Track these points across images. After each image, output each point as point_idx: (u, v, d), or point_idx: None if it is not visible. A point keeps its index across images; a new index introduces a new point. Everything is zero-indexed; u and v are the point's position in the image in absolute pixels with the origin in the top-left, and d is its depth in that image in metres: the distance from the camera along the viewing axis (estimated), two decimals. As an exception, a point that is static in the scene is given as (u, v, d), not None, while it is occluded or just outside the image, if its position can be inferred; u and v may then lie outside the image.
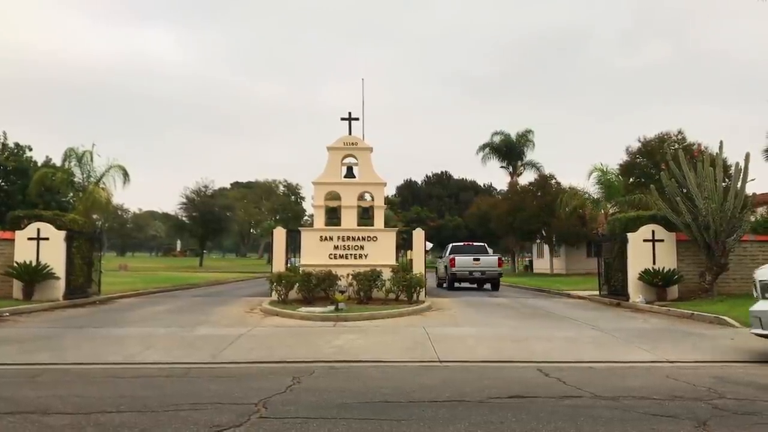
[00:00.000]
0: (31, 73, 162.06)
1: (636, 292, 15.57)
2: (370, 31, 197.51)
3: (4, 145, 34.79)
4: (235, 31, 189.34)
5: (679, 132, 35.34)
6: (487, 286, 24.98)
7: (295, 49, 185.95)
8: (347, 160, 18.17)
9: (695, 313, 12.42)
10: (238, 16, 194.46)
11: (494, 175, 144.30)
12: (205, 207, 67.35)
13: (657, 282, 15.28)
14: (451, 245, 26.25)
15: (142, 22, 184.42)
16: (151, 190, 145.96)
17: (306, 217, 70.00)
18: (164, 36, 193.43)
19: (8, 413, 4.91)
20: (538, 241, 48.50)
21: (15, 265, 15.23)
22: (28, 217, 16.48)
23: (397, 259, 17.64)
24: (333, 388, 6.03)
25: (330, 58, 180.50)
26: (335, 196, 18.14)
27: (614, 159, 38.68)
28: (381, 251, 17.04)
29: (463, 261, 24.16)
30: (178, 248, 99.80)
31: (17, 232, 15.80)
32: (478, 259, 24.16)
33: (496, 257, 25.37)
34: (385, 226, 18.29)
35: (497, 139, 50.95)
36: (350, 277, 15.55)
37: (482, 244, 26.45)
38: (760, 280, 7.60)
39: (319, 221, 17.87)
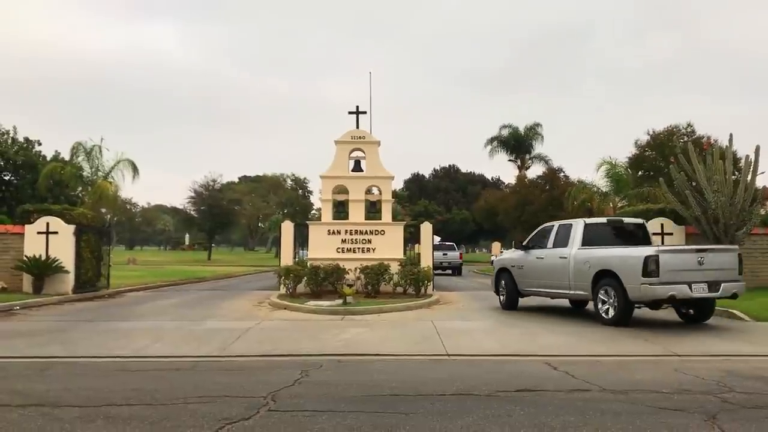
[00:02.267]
0: (40, 69, 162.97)
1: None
2: (377, 27, 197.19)
3: (14, 139, 34.93)
4: (241, 27, 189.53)
5: (689, 125, 34.96)
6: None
7: (302, 44, 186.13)
8: (355, 154, 18.14)
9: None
10: (244, 11, 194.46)
11: (502, 169, 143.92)
12: (213, 201, 67.40)
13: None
14: None
15: (149, 18, 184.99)
16: (160, 184, 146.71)
17: (313, 211, 69.89)
18: (171, 31, 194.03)
19: (19, 406, 4.96)
20: (546, 234, 48.27)
21: (25, 259, 15.36)
22: (37, 211, 16.60)
23: (404, 253, 17.64)
24: (341, 381, 6.04)
25: (337, 52, 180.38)
26: (343, 190, 18.14)
27: (623, 152, 38.59)
28: (388, 245, 17.04)
29: (436, 255, 33.85)
30: (187, 242, 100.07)
31: (27, 226, 15.93)
32: (446, 254, 32.49)
33: (459, 252, 35.09)
34: (392, 220, 18.27)
35: (505, 132, 50.59)
36: (358, 270, 15.56)
37: (451, 243, 35.96)
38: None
39: (327, 215, 17.88)
